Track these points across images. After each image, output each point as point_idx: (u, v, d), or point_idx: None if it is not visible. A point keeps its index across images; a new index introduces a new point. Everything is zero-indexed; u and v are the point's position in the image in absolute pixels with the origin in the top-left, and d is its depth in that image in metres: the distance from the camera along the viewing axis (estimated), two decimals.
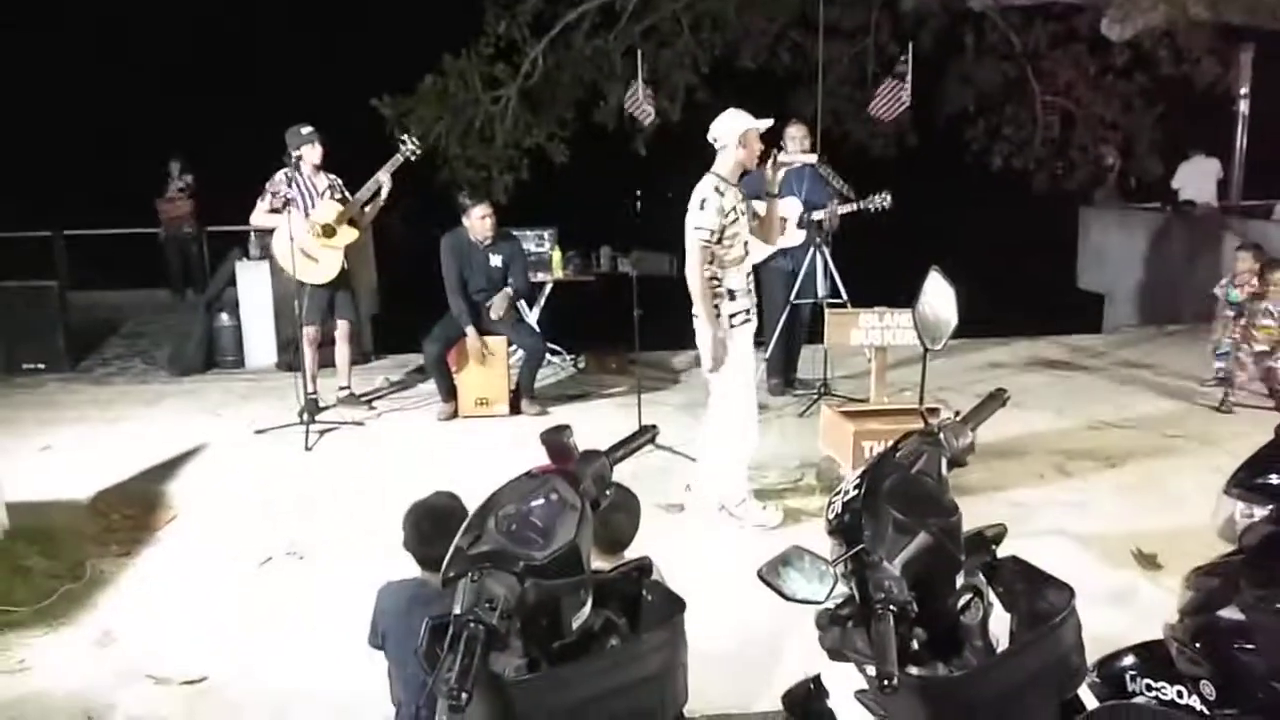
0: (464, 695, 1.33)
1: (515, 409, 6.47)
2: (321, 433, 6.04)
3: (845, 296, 6.34)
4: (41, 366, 7.99)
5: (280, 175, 6.20)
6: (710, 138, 4.52)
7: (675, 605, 1.67)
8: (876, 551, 1.66)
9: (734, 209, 4.43)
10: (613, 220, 6.06)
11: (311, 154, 6.15)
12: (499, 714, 1.44)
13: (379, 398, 6.99)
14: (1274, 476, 2.09)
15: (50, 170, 12.73)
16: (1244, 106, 10.94)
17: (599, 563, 2.70)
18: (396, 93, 9.85)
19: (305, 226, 6.09)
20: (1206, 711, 1.94)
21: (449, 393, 6.46)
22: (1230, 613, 1.95)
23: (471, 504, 1.67)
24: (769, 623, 3.63)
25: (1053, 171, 11.44)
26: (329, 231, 6.12)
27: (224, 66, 12.97)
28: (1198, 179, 11.20)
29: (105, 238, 11.77)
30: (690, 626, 1.67)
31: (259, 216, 6.29)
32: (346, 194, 6.21)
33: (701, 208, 4.40)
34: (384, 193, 6.18)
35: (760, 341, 6.83)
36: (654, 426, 2.01)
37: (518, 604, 1.48)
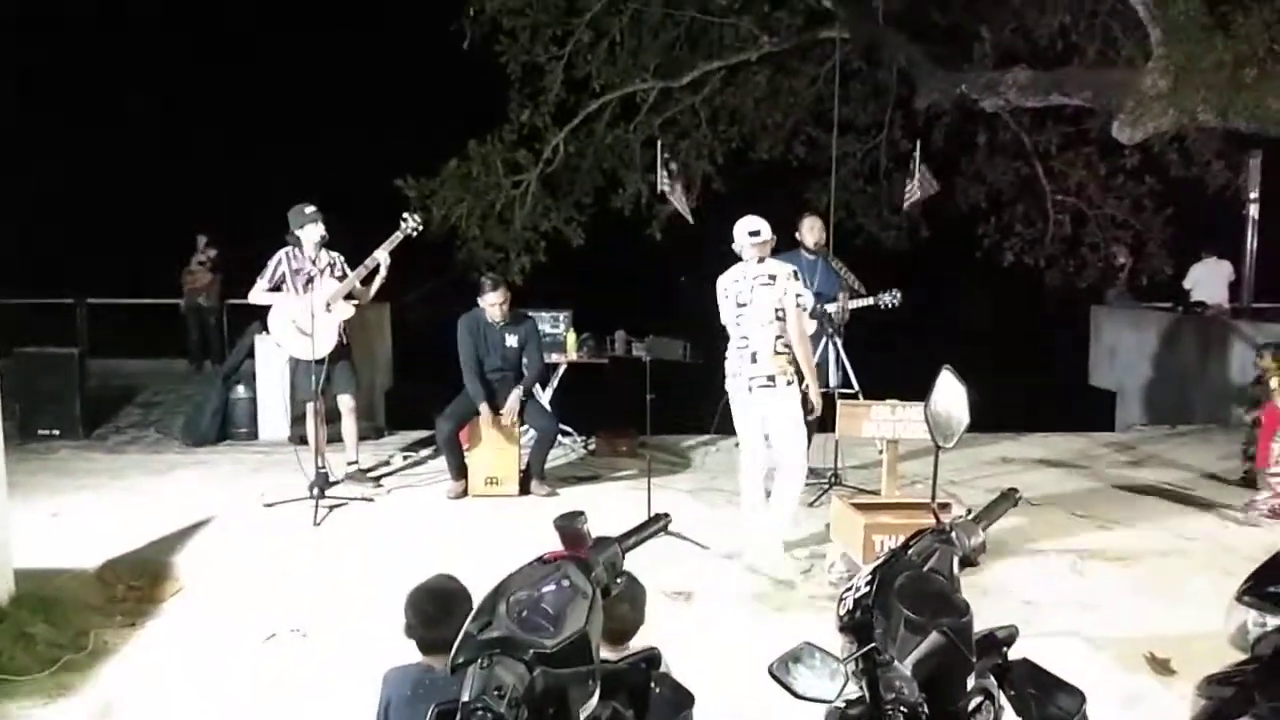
0: None
1: (525, 489, 6.47)
2: (330, 508, 6.04)
3: (857, 386, 6.37)
4: (56, 433, 8.04)
5: (281, 254, 6.34)
6: (767, 235, 5.33)
7: (684, 699, 1.66)
8: (888, 650, 1.66)
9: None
10: (627, 304, 6.16)
11: (313, 232, 6.27)
12: None
13: (389, 474, 7.00)
14: None
15: (76, 237, 12.99)
16: (1254, 211, 11.06)
17: (605, 653, 2.69)
18: (421, 176, 10.06)
19: (302, 302, 6.19)
20: None
21: (459, 471, 6.47)
22: None
23: (476, 585, 1.67)
24: (780, 718, 3.58)
25: (1064, 269, 11.55)
26: (325, 307, 6.21)
27: (253, 146, 13.31)
28: (1210, 280, 11.29)
29: (127, 307, 11.93)
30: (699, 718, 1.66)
31: (257, 294, 6.42)
32: (347, 271, 6.33)
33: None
34: (383, 270, 6.28)
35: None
36: (666, 515, 2.02)
37: (526, 693, 1.48)
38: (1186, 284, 11.41)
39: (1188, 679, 2.28)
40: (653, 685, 1.74)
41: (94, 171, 13.63)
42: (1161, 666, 4.07)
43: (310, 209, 6.32)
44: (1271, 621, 2.04)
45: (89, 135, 13.43)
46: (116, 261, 11.91)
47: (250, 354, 8.29)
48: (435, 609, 2.68)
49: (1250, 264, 11.28)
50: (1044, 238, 11.44)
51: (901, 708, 1.53)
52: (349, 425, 6.60)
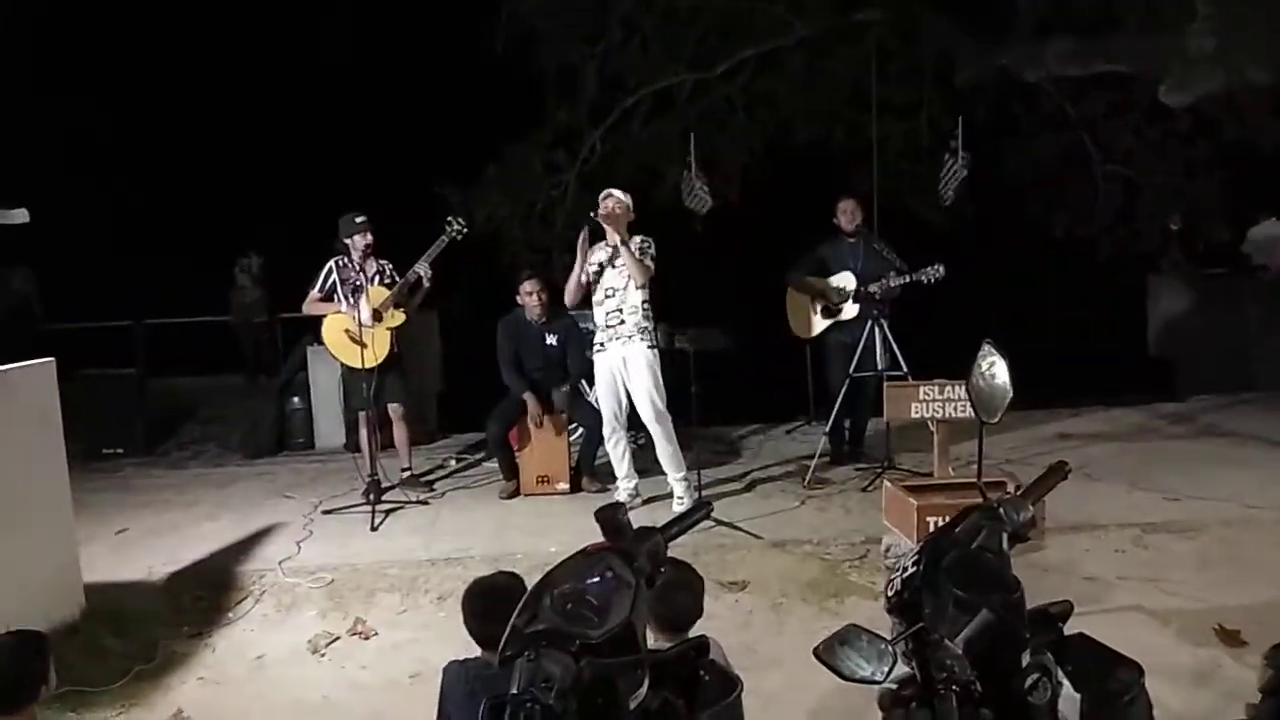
0: None
1: (576, 486, 6.50)
2: (387, 512, 6.11)
3: (905, 369, 6.29)
4: (120, 451, 8.24)
5: (331, 263, 6.42)
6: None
7: (732, 685, 1.66)
8: (937, 630, 1.64)
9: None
10: (668, 297, 6.17)
11: (361, 241, 6.35)
12: None
13: (442, 478, 7.08)
14: None
15: (126, 259, 13.28)
16: None
17: (660, 642, 2.69)
18: (460, 180, 10.14)
19: (352, 312, 6.26)
20: None
21: (511, 471, 6.52)
22: None
23: (532, 581, 1.69)
24: (836, 703, 3.56)
25: (1117, 239, 11.30)
26: (376, 316, 6.28)
27: (292, 156, 13.51)
28: (1269, 243, 10.97)
29: (180, 325, 12.18)
30: (755, 705, 1.65)
31: (310, 304, 6.50)
32: (396, 278, 6.38)
33: None
34: (426, 280, 6.33)
35: (821, 416, 6.82)
36: (709, 503, 2.02)
37: (574, 684, 1.49)
38: (1245, 248, 11.10)
39: (1258, 650, 2.22)
40: (701, 673, 1.74)
41: (135, 190, 13.93)
42: (1231, 638, 3.98)
43: (360, 218, 6.40)
44: None
45: (125, 152, 13.72)
46: (165, 281, 12.14)
47: (303, 365, 8.42)
48: (492, 604, 2.70)
49: None
50: (1094, 208, 11.20)
51: (954, 686, 1.52)
52: (400, 433, 6.68)
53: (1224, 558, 4.90)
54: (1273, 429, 7.01)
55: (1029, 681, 1.68)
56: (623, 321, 5.76)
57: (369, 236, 6.38)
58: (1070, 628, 1.81)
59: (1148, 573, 4.80)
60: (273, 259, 11.66)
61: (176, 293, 11.89)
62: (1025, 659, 1.68)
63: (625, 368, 5.79)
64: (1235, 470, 6.34)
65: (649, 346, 5.77)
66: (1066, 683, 1.69)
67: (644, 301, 5.76)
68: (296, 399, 8.36)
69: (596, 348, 5.93)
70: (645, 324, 5.77)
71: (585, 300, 6.04)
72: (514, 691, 1.46)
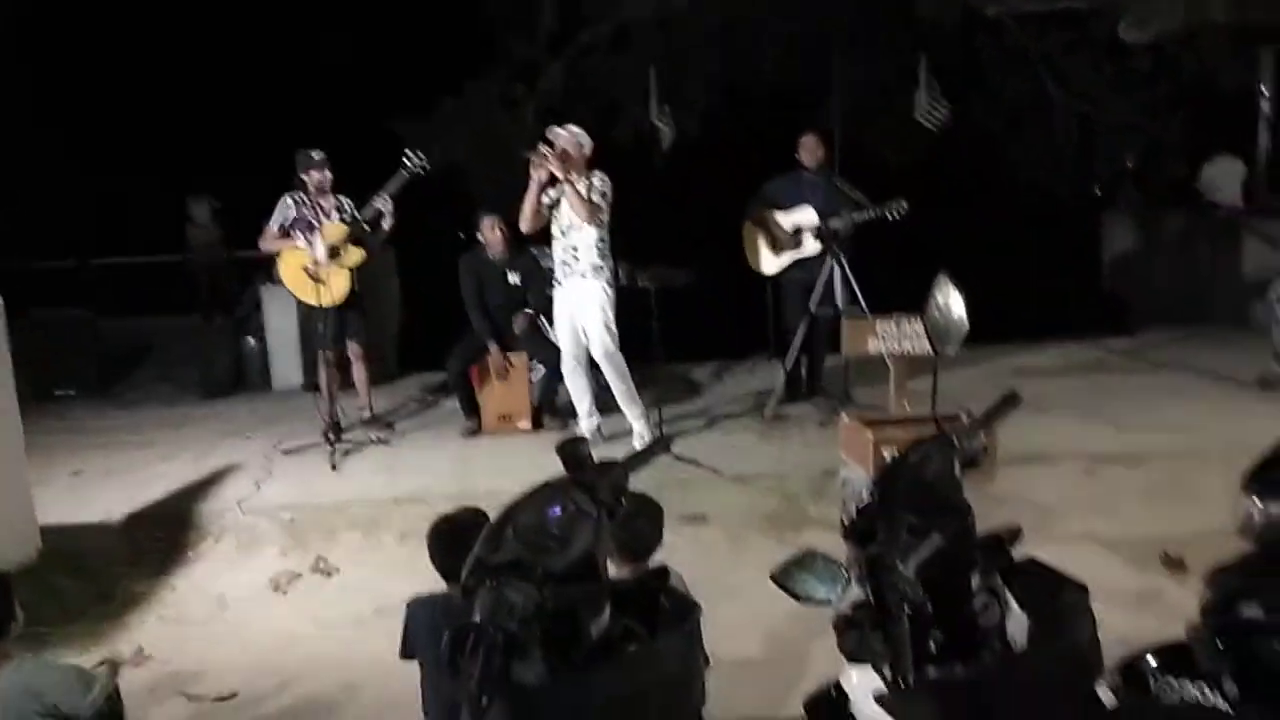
0: (485, 701, 1.36)
1: (538, 424, 6.51)
2: (346, 452, 6.10)
3: (865, 307, 6.32)
4: (72, 393, 8.12)
5: (287, 197, 6.29)
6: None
7: (691, 609, 1.69)
8: (890, 555, 1.68)
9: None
10: (628, 235, 6.15)
11: (318, 175, 6.23)
12: (522, 719, 1.47)
13: (403, 417, 7.06)
14: None
15: (76, 195, 12.94)
16: (1267, 107, 10.84)
17: (621, 571, 2.73)
18: (415, 115, 9.94)
19: (311, 249, 6.16)
20: (1228, 708, 1.93)
21: (472, 409, 6.51)
22: (1251, 610, 1.95)
23: (495, 517, 1.71)
24: (794, 631, 3.65)
25: (1074, 176, 11.38)
26: (334, 253, 6.18)
27: (241, 93, 13.16)
28: (1222, 180, 11.10)
29: (132, 265, 11.93)
30: (715, 634, 1.69)
31: (267, 241, 6.37)
32: (357, 215, 6.26)
33: None
34: (387, 215, 6.23)
35: (780, 353, 6.85)
36: (669, 437, 2.05)
37: (537, 611, 1.51)
38: (1199, 185, 11.23)
39: (1200, 574, 2.30)
40: (662, 600, 1.78)
41: (83, 130, 13.52)
42: (1176, 564, 4.12)
43: (318, 154, 6.26)
44: (1275, 509, 2.05)
45: (63, 94, 13.29)
46: (115, 218, 11.86)
47: (258, 305, 8.30)
48: (457, 538, 2.72)
49: (1264, 161, 11.09)
50: (1052, 145, 11.25)
51: (906, 608, 1.56)
52: (360, 372, 6.61)
53: (1170, 487, 5.04)
54: (1221, 362, 7.17)
55: (978, 604, 1.73)
56: (578, 259, 5.73)
57: (326, 172, 6.25)
58: (1019, 555, 1.86)
59: (1096, 502, 4.93)
60: (226, 196, 11.40)
61: (128, 230, 11.63)
62: (975, 582, 1.73)
63: (579, 305, 5.78)
64: (1184, 402, 6.50)
65: (604, 285, 5.75)
66: (1015, 604, 1.75)
67: (599, 239, 5.72)
68: (252, 339, 8.26)
69: (555, 285, 5.91)
70: (599, 262, 5.74)
71: (545, 236, 5.99)
72: (477, 620, 1.48)
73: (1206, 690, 1.98)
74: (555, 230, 5.80)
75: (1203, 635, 2.02)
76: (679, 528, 4.53)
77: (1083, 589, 1.71)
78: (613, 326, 5.78)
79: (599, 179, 5.75)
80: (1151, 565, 4.17)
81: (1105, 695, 1.79)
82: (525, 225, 5.86)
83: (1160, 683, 2.06)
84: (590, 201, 5.61)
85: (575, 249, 5.73)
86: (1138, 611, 3.65)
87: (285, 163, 6.38)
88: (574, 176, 5.61)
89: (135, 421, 7.36)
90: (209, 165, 12.13)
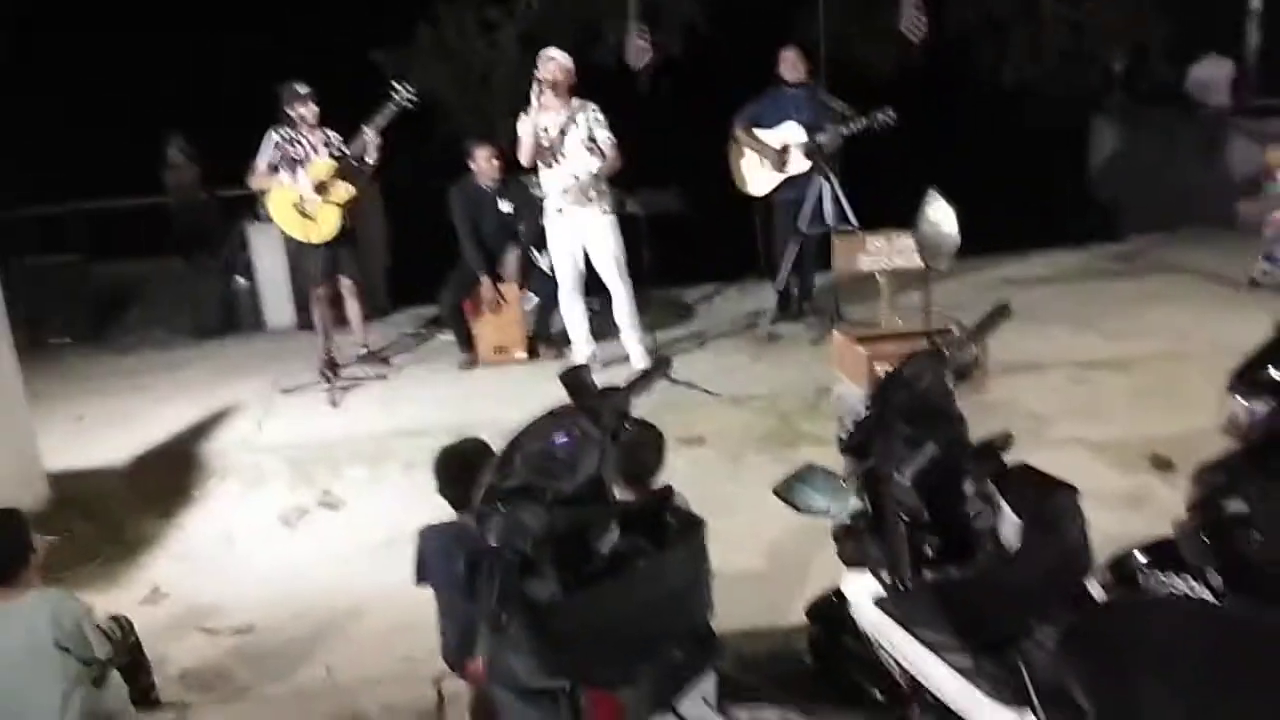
0: (503, 618, 1.42)
1: (533, 354, 6.55)
2: (345, 388, 6.13)
3: (855, 223, 6.31)
4: (67, 340, 8.13)
5: (272, 132, 6.20)
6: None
7: (696, 524, 1.75)
8: (887, 466, 1.74)
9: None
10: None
11: (304, 109, 6.15)
12: (537, 634, 1.54)
13: (399, 352, 7.08)
14: (1274, 372, 2.14)
15: (53, 140, 12.72)
16: (1256, 2, 10.71)
17: (627, 494, 2.80)
18: (392, 45, 9.75)
19: (299, 185, 6.11)
20: (1215, 600, 2.02)
21: (467, 342, 6.53)
22: (1236, 504, 2.02)
23: (498, 447, 1.76)
24: (795, 543, 3.75)
25: (1063, 81, 11.25)
26: (323, 189, 6.13)
27: (215, 33, 12.86)
28: (1211, 80, 11.00)
29: (116, 209, 11.78)
30: (717, 549, 1.75)
31: (257, 178, 6.29)
32: (345, 150, 6.18)
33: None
34: (373, 147, 6.15)
35: (771, 273, 6.86)
36: (668, 359, 2.08)
37: (548, 533, 1.57)
38: (1187, 86, 11.13)
39: (1188, 474, 2.37)
40: (667, 518, 1.84)
41: (59, 77, 13.24)
42: (1164, 464, 4.21)
43: (303, 88, 6.16)
44: (1260, 407, 2.12)
45: (44, 29, 12.97)
46: (93, 161, 11.66)
47: (244, 244, 8.25)
48: (464, 467, 2.77)
49: (1253, 60, 10.99)
50: (1040, 50, 11.11)
51: (903, 515, 1.62)
52: (353, 308, 6.60)
53: (1158, 390, 5.12)
54: (1207, 261, 7.22)
55: (972, 509, 1.80)
56: (580, 188, 5.70)
57: (313, 106, 6.16)
58: (1011, 460, 1.92)
59: (1086, 407, 5.02)
60: (203, 134, 11.22)
61: (106, 173, 11.45)
62: (969, 488, 1.79)
63: (585, 233, 5.76)
64: (1171, 306, 6.56)
65: (604, 211, 5.75)
66: (1007, 508, 1.81)
67: (599, 166, 5.70)
68: (240, 278, 8.23)
69: (554, 213, 5.86)
70: (602, 188, 5.74)
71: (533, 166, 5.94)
72: (492, 543, 1.54)
73: (1193, 583, 2.06)
74: (552, 159, 5.75)
75: (1189, 531, 2.10)
76: (678, 449, 4.60)
77: (1073, 491, 1.77)
78: (624, 249, 5.85)
79: (594, 111, 5.69)
80: (1140, 467, 4.26)
81: (1096, 591, 1.87)
82: (525, 158, 5.79)
83: (1148, 577, 2.14)
84: (612, 156, 5.66)
85: (578, 177, 5.70)
86: (1127, 511, 3.75)
87: (263, 99, 6.28)
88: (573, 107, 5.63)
89: (131, 366, 7.37)
90: (184, 101, 11.90)
